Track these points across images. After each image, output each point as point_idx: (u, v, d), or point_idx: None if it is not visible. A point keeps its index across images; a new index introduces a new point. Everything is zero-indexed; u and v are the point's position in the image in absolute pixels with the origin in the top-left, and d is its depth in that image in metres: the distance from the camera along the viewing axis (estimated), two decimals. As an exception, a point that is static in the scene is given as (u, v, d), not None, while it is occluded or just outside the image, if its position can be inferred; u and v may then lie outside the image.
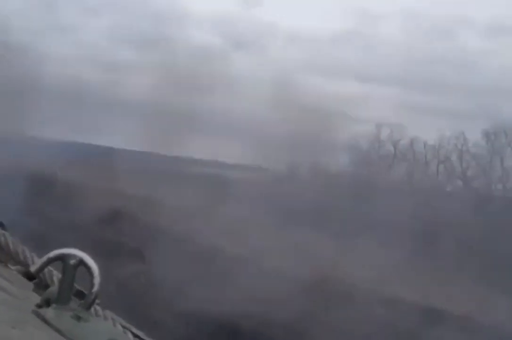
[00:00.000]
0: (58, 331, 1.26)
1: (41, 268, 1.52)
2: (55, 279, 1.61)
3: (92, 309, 1.51)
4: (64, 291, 1.42)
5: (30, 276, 1.64)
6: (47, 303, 1.43)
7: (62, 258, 1.45)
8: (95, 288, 1.43)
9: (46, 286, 1.59)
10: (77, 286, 1.49)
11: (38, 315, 1.32)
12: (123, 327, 1.63)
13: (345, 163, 45.15)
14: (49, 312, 1.34)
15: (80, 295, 1.50)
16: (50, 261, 1.48)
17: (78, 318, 1.34)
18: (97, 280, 1.44)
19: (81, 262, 1.45)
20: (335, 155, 43.92)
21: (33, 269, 1.54)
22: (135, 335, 1.63)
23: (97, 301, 1.50)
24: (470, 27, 67.48)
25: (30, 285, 1.63)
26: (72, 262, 1.44)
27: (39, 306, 1.42)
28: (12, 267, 1.81)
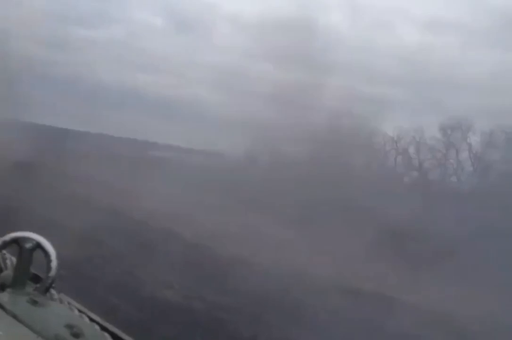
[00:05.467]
0: (13, 316, 1.24)
1: None
2: (9, 263, 1.57)
3: (48, 293, 1.49)
4: (19, 275, 1.38)
5: None
6: (1, 288, 1.39)
7: (17, 242, 1.41)
8: (52, 272, 1.41)
9: (0, 271, 1.55)
10: (32, 270, 1.46)
11: None
12: (79, 311, 1.60)
13: (304, 153, 45.51)
14: (3, 297, 1.31)
15: (35, 279, 1.47)
16: (5, 245, 1.44)
17: (34, 303, 1.31)
18: (54, 263, 1.42)
19: (38, 246, 1.41)
20: (293, 144, 44.19)
21: None
22: (91, 319, 1.61)
23: (53, 285, 1.48)
24: (410, 22, 68.99)
25: None
26: (28, 245, 1.40)
27: None
28: None
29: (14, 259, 1.48)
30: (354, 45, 53.49)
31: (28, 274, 1.43)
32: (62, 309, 1.45)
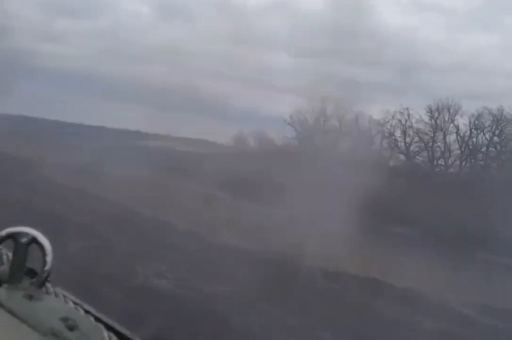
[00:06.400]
0: (10, 311, 1.25)
1: None
2: (5, 258, 1.58)
3: (43, 287, 1.50)
4: (15, 270, 1.40)
5: None
6: None
7: (13, 236, 1.43)
8: (48, 266, 1.43)
9: None
10: (28, 265, 1.47)
11: None
12: (75, 303, 1.63)
13: (291, 137, 45.43)
14: (0, 293, 1.32)
15: (31, 273, 1.48)
16: (1, 240, 1.45)
17: (30, 297, 1.33)
18: (49, 257, 1.43)
19: (33, 240, 1.43)
20: (281, 129, 44.13)
21: None
22: (86, 311, 1.63)
23: (48, 278, 1.49)
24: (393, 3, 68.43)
25: None
26: (24, 240, 1.42)
27: None
28: None
29: (10, 254, 1.49)
30: (337, 28, 53.30)
31: (24, 268, 1.44)
32: (57, 302, 1.46)
